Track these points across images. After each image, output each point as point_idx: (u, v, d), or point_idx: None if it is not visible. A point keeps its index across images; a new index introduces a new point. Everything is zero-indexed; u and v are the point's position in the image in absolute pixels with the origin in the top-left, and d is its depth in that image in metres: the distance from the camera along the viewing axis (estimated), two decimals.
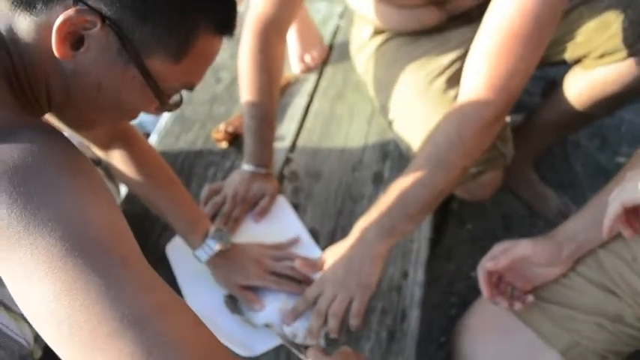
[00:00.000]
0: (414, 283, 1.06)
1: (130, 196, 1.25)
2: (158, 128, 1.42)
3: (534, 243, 0.93)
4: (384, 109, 1.33)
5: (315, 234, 1.15)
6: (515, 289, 0.98)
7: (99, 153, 1.05)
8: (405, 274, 1.07)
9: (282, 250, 1.10)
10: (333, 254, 1.04)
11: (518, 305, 0.93)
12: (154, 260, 1.10)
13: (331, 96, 1.48)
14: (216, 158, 1.32)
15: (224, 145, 1.34)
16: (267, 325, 0.97)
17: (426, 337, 1.27)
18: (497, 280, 0.96)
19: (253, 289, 1.03)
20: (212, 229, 1.03)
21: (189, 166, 1.31)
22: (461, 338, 1.03)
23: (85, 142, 1.02)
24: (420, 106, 1.24)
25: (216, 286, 1.06)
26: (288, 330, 0.97)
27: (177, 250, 1.13)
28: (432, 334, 1.29)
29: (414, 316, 1.01)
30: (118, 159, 1.04)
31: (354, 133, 1.37)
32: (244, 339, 0.98)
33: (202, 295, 1.05)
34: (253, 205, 1.19)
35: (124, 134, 1.03)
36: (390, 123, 1.32)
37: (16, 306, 0.54)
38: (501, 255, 0.93)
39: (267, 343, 0.97)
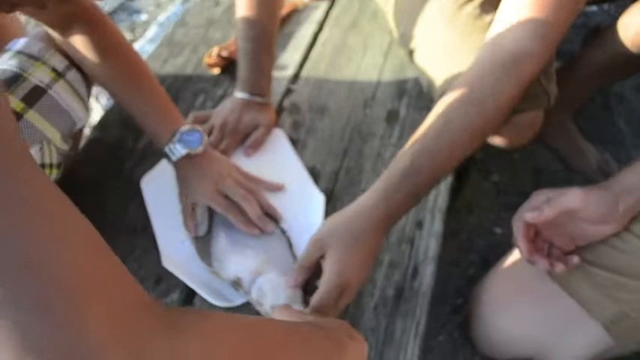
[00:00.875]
0: (429, 234, 0.89)
1: (103, 123, 1.08)
2: (145, 52, 1.24)
3: (586, 193, 0.75)
4: (404, 38, 1.14)
5: (315, 174, 0.98)
6: (552, 248, 0.80)
7: (59, 38, 0.88)
8: (419, 224, 0.90)
9: (256, 184, 0.93)
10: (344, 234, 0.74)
11: (560, 267, 0.75)
12: (127, 195, 0.94)
13: (344, 25, 1.29)
14: (206, 85, 1.15)
15: (216, 71, 1.16)
16: (235, 283, 0.81)
17: (439, 298, 1.11)
18: (534, 237, 0.78)
19: (232, 239, 0.87)
20: (184, 127, 0.88)
21: (176, 93, 1.13)
22: (481, 303, 0.87)
23: (48, 29, 0.87)
24: (448, 33, 1.05)
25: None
26: (255, 293, 0.78)
27: (152, 185, 0.97)
28: (447, 295, 1.12)
29: (428, 272, 0.84)
30: (79, 43, 0.87)
31: (366, 67, 1.18)
32: (221, 288, 0.82)
33: (176, 237, 0.89)
34: (245, 138, 1.01)
35: (87, 17, 0.87)
36: (410, 54, 1.13)
37: None
38: (545, 206, 0.75)
39: (242, 296, 0.81)
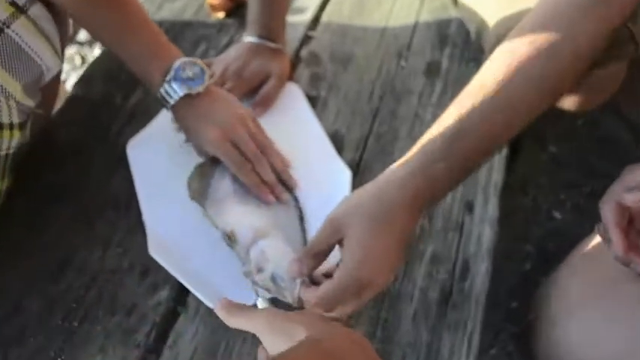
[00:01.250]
0: (482, 219, 0.72)
1: (87, 77, 0.91)
2: None
3: None
4: None
5: (338, 140, 0.80)
6: None
7: None
8: (469, 206, 0.73)
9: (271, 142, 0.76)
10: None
11: None
12: (111, 162, 0.79)
13: None
14: (209, 32, 0.97)
15: (221, 15, 0.98)
16: (227, 237, 0.66)
17: (489, 301, 0.93)
18: (628, 227, 0.59)
19: (239, 186, 0.73)
20: (179, 61, 0.73)
21: (173, 41, 0.93)
22: (548, 308, 0.69)
23: None
24: None
25: (185, 204, 0.73)
26: (254, 254, 0.64)
27: (141, 149, 0.80)
28: (498, 297, 0.94)
29: (482, 269, 0.67)
30: None
31: (401, 9, 0.99)
32: (221, 286, 0.66)
33: (167, 215, 0.73)
34: (251, 91, 0.83)
35: None
36: None
37: None
38: None
39: (246, 296, 0.64)
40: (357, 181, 0.75)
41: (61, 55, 0.74)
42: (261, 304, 0.55)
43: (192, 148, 0.76)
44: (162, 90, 0.72)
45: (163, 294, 0.68)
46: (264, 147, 0.74)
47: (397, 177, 0.57)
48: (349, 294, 0.54)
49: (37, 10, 0.70)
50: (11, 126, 0.68)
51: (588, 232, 0.75)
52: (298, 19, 0.97)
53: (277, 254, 0.62)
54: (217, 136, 0.72)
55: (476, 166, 0.61)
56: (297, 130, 0.81)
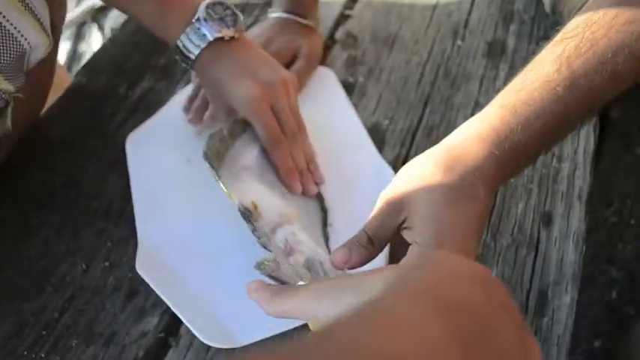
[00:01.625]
0: (563, 235, 0.55)
1: (91, 66, 0.81)
2: None
3: None
4: None
5: (378, 133, 0.65)
6: None
7: None
8: (546, 218, 0.56)
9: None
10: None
11: None
12: (107, 162, 0.68)
13: None
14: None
15: None
16: (246, 210, 0.53)
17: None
18: None
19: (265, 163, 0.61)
20: (204, 4, 0.61)
21: None
22: None
23: None
24: None
25: (186, 214, 0.61)
26: (282, 236, 0.51)
27: (140, 147, 0.69)
28: (576, 333, 0.76)
29: (565, 302, 0.50)
30: None
31: None
32: (219, 318, 0.52)
33: (161, 222, 0.61)
34: None
35: None
36: None
37: None
38: None
39: (255, 331, 0.51)
40: None
41: (49, 33, 0.63)
42: None
43: (217, 116, 0.65)
44: (185, 36, 0.60)
45: (152, 321, 0.54)
46: (300, 128, 0.62)
47: (473, 137, 0.43)
48: None
49: None
50: None
51: None
52: None
53: (311, 240, 0.52)
54: (257, 93, 0.59)
55: (572, 128, 0.47)
56: (329, 122, 0.67)
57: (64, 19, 0.74)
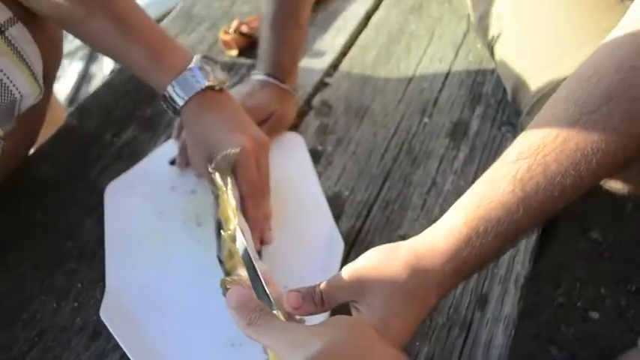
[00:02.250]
0: (495, 318, 0.59)
1: (82, 109, 0.85)
2: None
3: None
4: (484, 20, 0.84)
5: (337, 203, 0.70)
6: None
7: None
8: (482, 300, 0.60)
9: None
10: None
11: None
12: (87, 206, 0.72)
13: (407, 5, 1.00)
14: None
15: (234, 52, 0.90)
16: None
17: None
18: None
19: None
20: (198, 56, 0.65)
21: None
22: None
23: None
24: (556, 8, 0.74)
25: (155, 268, 0.64)
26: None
27: (119, 196, 0.72)
28: None
29: None
30: None
31: (431, 61, 0.89)
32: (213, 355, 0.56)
33: (129, 272, 0.64)
34: None
35: None
36: (491, 45, 0.83)
37: None
38: None
39: None
40: (352, 256, 0.64)
41: (40, 83, 0.67)
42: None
43: (191, 171, 0.69)
44: (176, 83, 0.63)
45: None
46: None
47: (439, 250, 0.48)
48: None
49: (17, 32, 0.63)
50: None
51: (631, 341, 0.61)
52: (316, 63, 0.88)
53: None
54: (250, 147, 0.61)
55: (515, 245, 0.54)
56: (291, 185, 0.70)
57: (58, 66, 0.78)
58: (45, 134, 0.81)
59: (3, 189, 0.72)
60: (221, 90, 0.65)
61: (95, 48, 0.69)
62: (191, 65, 0.63)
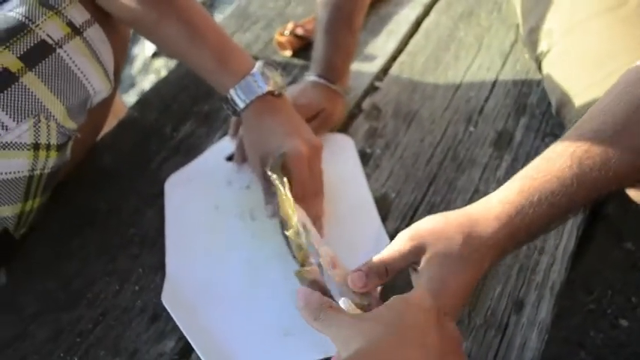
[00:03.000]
0: (531, 323, 0.62)
1: (142, 103, 0.90)
2: None
3: None
4: (532, 35, 0.86)
5: (384, 204, 0.73)
6: None
7: None
8: (518, 305, 0.63)
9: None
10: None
11: None
12: (147, 196, 0.77)
13: (456, 12, 1.02)
14: None
15: (288, 53, 0.94)
16: (298, 228, 0.59)
17: None
18: None
19: None
20: (260, 62, 0.69)
21: None
22: None
23: None
24: (605, 29, 0.75)
25: (212, 256, 0.69)
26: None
27: (178, 189, 0.77)
28: None
29: None
30: None
31: (478, 70, 0.91)
32: (226, 351, 0.60)
33: (189, 260, 0.69)
34: None
35: None
36: (539, 58, 0.85)
37: None
38: None
39: None
40: None
41: (111, 79, 0.72)
42: (343, 304, 0.50)
43: (246, 168, 0.74)
44: (238, 87, 0.67)
45: (169, 344, 0.63)
46: (320, 190, 0.69)
47: (492, 215, 0.51)
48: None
49: (94, 32, 0.68)
50: (48, 147, 0.66)
51: None
52: (367, 67, 0.91)
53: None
54: (305, 151, 0.65)
55: (565, 220, 0.59)
56: (341, 186, 0.73)
57: (124, 62, 0.83)
58: (105, 125, 0.86)
59: (69, 178, 0.78)
60: (280, 95, 0.69)
61: (164, 50, 0.73)
62: (254, 70, 0.67)
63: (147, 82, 1.82)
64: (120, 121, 0.87)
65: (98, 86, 0.70)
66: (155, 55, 1.92)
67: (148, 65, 1.90)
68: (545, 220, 0.52)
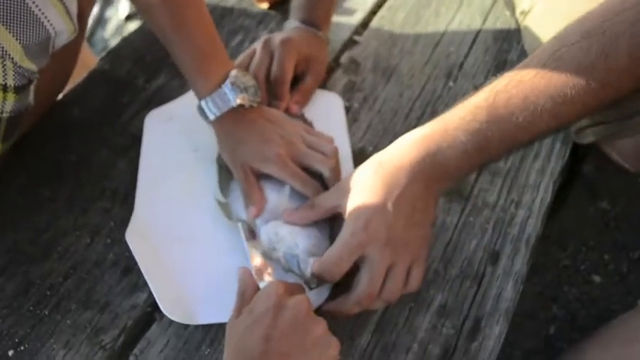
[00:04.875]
0: (506, 274, 0.62)
1: (114, 53, 0.87)
2: None
3: None
4: None
5: (362, 158, 0.72)
6: None
7: None
8: (494, 256, 0.63)
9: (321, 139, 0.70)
10: (370, 175, 0.56)
11: None
12: (118, 148, 0.75)
13: None
14: (249, 22, 0.90)
15: (264, 5, 0.91)
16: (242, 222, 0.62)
17: None
18: None
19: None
20: (234, 72, 0.66)
21: None
22: None
23: None
24: None
25: (184, 198, 0.68)
26: (265, 236, 0.61)
27: (157, 124, 0.75)
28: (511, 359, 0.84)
29: (495, 332, 0.58)
30: None
31: (459, 26, 0.90)
32: (187, 299, 0.60)
33: (159, 200, 0.68)
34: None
35: None
36: (521, 16, 0.84)
37: None
38: None
39: (213, 315, 0.59)
40: None
41: (75, 22, 0.69)
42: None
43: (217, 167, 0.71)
44: (210, 98, 0.65)
45: (141, 296, 0.62)
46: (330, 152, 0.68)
47: (407, 143, 0.56)
48: (347, 251, 0.53)
49: None
50: (5, 87, 0.63)
51: (630, 304, 0.65)
52: (346, 20, 0.89)
53: (292, 232, 0.59)
54: (280, 154, 0.65)
55: (496, 155, 0.56)
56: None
57: (92, 7, 0.79)
58: (75, 78, 0.84)
59: (35, 130, 0.75)
60: (251, 107, 0.66)
61: (156, 34, 0.70)
62: (227, 81, 0.65)
63: None
64: (89, 73, 0.84)
65: (59, 26, 0.66)
66: (129, 17, 1.86)
67: (122, 28, 1.85)
68: (461, 148, 0.53)
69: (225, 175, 0.68)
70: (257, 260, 0.60)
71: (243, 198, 0.65)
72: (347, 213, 0.55)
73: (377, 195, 0.53)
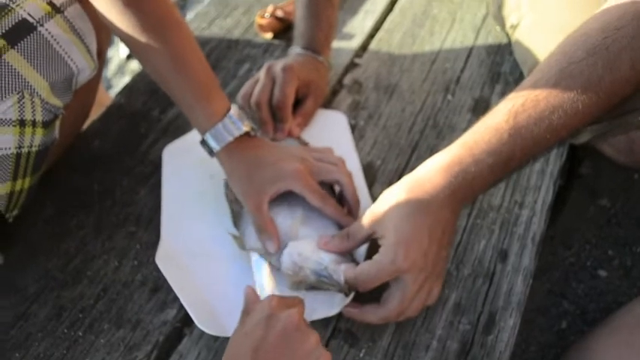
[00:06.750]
0: (515, 270, 0.65)
1: (130, 87, 0.91)
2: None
3: None
4: (505, 8, 0.89)
5: (371, 172, 0.76)
6: None
7: None
8: (502, 254, 0.67)
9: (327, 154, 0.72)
10: (399, 209, 0.58)
11: None
12: (139, 176, 0.79)
13: None
14: (254, 51, 0.95)
15: (269, 35, 0.96)
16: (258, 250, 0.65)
17: (516, 356, 0.85)
18: None
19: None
20: (235, 106, 0.69)
21: (217, 59, 0.95)
22: None
23: None
24: (573, 3, 0.79)
25: (205, 221, 0.72)
26: (287, 260, 0.63)
27: (175, 157, 0.79)
28: (526, 354, 0.87)
29: (509, 324, 0.61)
30: None
31: (453, 43, 0.95)
32: (218, 312, 0.63)
33: (184, 224, 0.72)
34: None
35: None
36: (511, 30, 0.88)
37: None
38: None
39: None
40: None
41: (95, 59, 0.73)
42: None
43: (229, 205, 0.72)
44: (216, 128, 0.67)
45: (170, 312, 0.65)
46: (335, 163, 0.70)
47: (431, 171, 0.58)
48: (386, 274, 0.56)
49: (74, 11, 0.69)
50: (34, 123, 0.66)
51: (635, 295, 0.68)
52: (346, 44, 0.94)
53: (313, 247, 0.62)
54: (299, 169, 0.66)
55: (517, 168, 0.61)
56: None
57: (108, 45, 0.84)
58: (92, 114, 0.88)
59: (60, 163, 0.79)
60: (255, 136, 0.69)
61: (149, 73, 0.73)
62: (231, 113, 0.68)
63: (123, 84, 1.82)
64: (107, 108, 0.88)
65: (81, 64, 0.70)
66: (130, 56, 1.92)
67: (124, 67, 1.91)
68: (487, 169, 0.57)
69: (235, 208, 0.71)
70: (260, 277, 0.63)
71: (256, 231, 0.67)
72: (384, 239, 0.57)
73: (412, 224, 0.56)
